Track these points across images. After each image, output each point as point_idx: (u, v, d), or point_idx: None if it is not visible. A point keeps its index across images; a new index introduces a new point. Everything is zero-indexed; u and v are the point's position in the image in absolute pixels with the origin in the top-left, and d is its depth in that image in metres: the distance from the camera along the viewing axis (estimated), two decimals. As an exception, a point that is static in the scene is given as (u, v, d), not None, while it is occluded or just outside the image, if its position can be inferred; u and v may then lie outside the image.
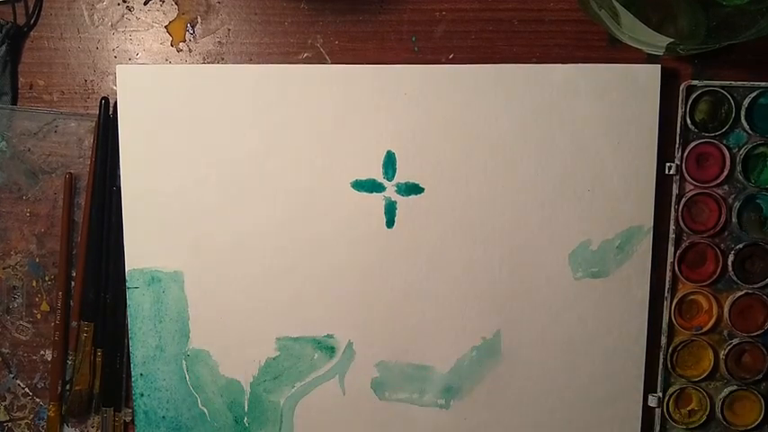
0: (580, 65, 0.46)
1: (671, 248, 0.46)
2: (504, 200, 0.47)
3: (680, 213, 0.46)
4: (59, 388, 0.48)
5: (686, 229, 0.46)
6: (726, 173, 0.46)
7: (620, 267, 0.47)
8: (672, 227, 0.46)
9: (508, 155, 0.46)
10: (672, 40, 0.41)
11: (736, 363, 0.47)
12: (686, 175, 0.46)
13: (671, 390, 0.47)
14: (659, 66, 0.45)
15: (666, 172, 0.46)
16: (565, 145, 0.46)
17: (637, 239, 0.46)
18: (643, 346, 0.47)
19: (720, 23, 0.39)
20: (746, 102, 0.45)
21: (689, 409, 0.47)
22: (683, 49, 0.43)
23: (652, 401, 0.47)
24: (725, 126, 0.45)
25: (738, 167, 0.46)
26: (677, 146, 0.46)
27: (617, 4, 0.40)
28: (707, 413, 0.47)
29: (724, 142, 0.46)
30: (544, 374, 0.48)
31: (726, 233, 0.46)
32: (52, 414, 0.48)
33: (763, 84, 0.45)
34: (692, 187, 0.46)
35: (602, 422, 0.48)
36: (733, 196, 0.46)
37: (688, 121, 0.46)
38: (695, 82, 0.45)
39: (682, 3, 0.39)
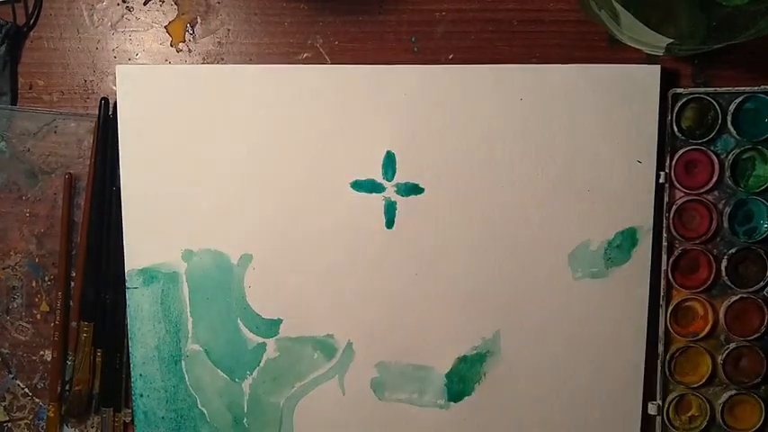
0: (580, 65, 0.46)
1: (664, 256, 0.46)
2: (503, 200, 0.47)
3: (671, 221, 0.46)
4: (59, 388, 0.48)
5: (678, 237, 0.46)
6: (715, 179, 0.46)
7: (619, 267, 0.47)
8: (664, 234, 0.46)
9: (508, 155, 0.46)
10: (672, 40, 0.41)
11: (735, 367, 0.47)
12: (675, 182, 0.46)
13: (670, 397, 0.47)
14: (659, 66, 0.45)
15: (659, 181, 0.46)
16: (564, 145, 0.46)
17: (636, 239, 0.46)
18: (643, 345, 0.47)
19: (720, 24, 0.39)
20: (732, 107, 0.45)
21: (689, 415, 0.47)
22: (683, 49, 0.43)
23: (652, 409, 0.47)
24: (712, 132, 0.45)
25: (727, 173, 0.46)
26: (666, 153, 0.46)
27: (617, 5, 0.40)
28: (707, 419, 0.47)
29: (712, 148, 0.46)
30: (543, 375, 0.48)
31: (718, 239, 0.46)
32: (52, 414, 0.48)
33: (747, 89, 0.45)
34: (681, 194, 0.46)
35: (602, 422, 0.48)
36: (723, 202, 0.46)
37: (675, 128, 0.46)
38: (680, 90, 0.45)
39: (681, 3, 0.39)
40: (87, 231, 0.47)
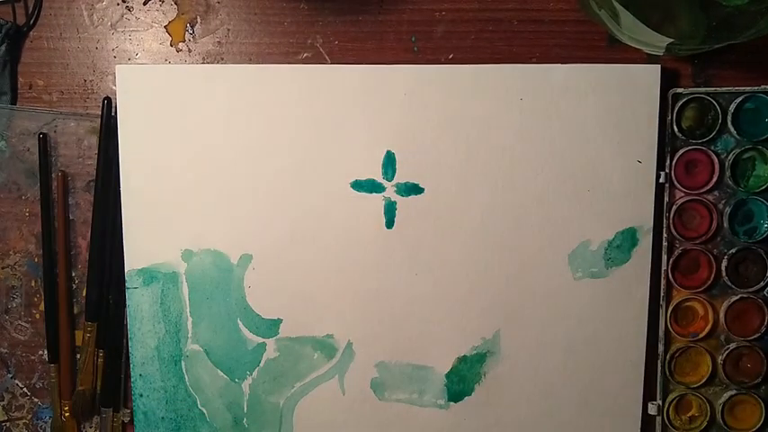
0: (580, 65, 0.46)
1: (664, 256, 0.46)
2: (503, 200, 0.47)
3: (671, 221, 0.46)
4: (72, 387, 0.48)
5: (678, 237, 0.46)
6: (715, 179, 0.46)
7: (619, 267, 0.47)
8: (664, 234, 0.46)
9: (508, 155, 0.46)
10: (672, 40, 0.41)
11: (735, 367, 0.47)
12: (676, 182, 0.46)
13: (670, 397, 0.47)
14: (659, 66, 0.45)
15: (659, 181, 0.46)
16: (564, 145, 0.46)
17: (636, 239, 0.46)
18: (643, 345, 0.47)
19: (720, 23, 0.39)
20: (732, 107, 0.45)
21: (689, 415, 0.47)
22: (683, 49, 0.43)
23: (652, 409, 0.47)
24: (712, 132, 0.45)
25: (727, 173, 0.46)
26: (666, 153, 0.46)
27: (617, 5, 0.40)
28: (707, 419, 0.47)
29: (712, 148, 0.46)
30: (544, 375, 0.47)
31: (718, 239, 0.46)
32: (68, 414, 0.48)
33: (748, 89, 0.45)
34: (682, 194, 0.46)
35: (602, 422, 0.48)
36: (723, 202, 0.46)
37: (675, 128, 0.46)
38: (680, 90, 0.45)
39: (681, 3, 0.39)
40: (91, 231, 0.47)
